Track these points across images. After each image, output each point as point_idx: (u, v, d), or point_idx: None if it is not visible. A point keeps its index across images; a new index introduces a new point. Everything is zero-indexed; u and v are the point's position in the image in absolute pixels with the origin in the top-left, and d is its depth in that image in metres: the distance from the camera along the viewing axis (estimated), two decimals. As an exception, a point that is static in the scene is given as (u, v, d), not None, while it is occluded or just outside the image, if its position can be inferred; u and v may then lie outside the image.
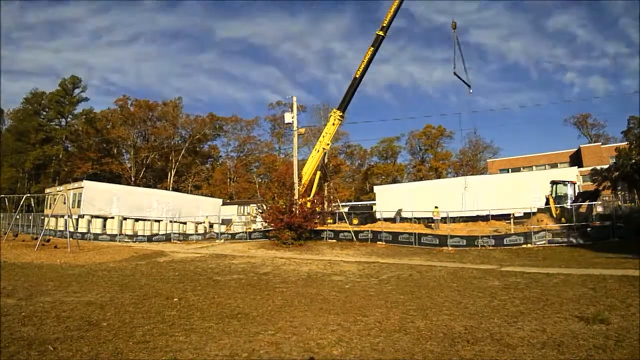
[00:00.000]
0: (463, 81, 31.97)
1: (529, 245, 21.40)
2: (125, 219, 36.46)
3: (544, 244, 21.41)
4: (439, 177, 69.14)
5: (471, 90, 34.27)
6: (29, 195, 33.96)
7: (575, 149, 57.44)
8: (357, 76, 31.78)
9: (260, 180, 76.71)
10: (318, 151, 32.33)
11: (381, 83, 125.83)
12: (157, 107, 76.79)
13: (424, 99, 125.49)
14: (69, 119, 69.78)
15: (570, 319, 8.24)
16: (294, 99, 32.14)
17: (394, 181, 70.56)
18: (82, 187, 38.56)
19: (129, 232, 35.01)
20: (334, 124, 32.63)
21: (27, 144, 62.49)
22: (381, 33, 31.19)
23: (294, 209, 25.45)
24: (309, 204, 26.50)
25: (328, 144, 33.27)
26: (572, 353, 6.26)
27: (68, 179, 56.96)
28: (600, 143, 58.88)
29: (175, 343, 6.89)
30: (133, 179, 68.29)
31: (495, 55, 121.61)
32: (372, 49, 31.36)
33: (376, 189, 42.43)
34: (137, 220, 37.21)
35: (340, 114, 32.48)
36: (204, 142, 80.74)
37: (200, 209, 44.61)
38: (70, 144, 70.17)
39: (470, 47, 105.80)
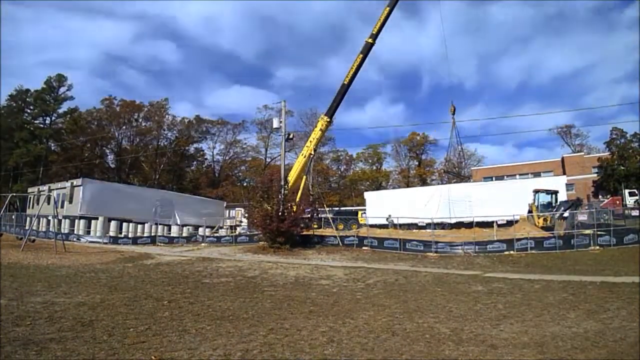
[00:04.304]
0: (455, 175, 32.67)
1: (512, 252, 21.88)
2: (110, 220, 36.17)
3: (526, 251, 21.89)
4: (423, 183, 69.92)
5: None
6: (14, 195, 33.46)
7: (559, 159, 58.55)
8: (346, 82, 31.98)
9: (246, 184, 76.64)
10: (304, 156, 32.51)
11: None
12: (143, 108, 76.41)
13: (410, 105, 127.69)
14: (53, 118, 68.98)
15: (551, 322, 8.60)
16: (283, 103, 32.42)
17: (379, 187, 71.19)
18: (80, 185, 37.96)
19: (113, 234, 34.77)
20: (321, 130, 32.83)
21: (10, 142, 61.50)
22: (370, 41, 31.53)
23: (281, 214, 25.59)
24: (295, 209, 26.67)
25: (315, 149, 33.51)
26: (552, 353, 6.62)
27: (52, 179, 56.13)
28: (583, 153, 60.13)
29: (170, 343, 7.01)
30: (117, 179, 67.61)
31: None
32: (361, 56, 31.66)
33: (366, 194, 42.98)
34: (122, 221, 36.92)
35: (328, 119, 32.67)
36: (190, 144, 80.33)
37: (205, 210, 44.51)
38: (54, 143, 69.28)
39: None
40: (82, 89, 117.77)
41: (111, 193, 40.04)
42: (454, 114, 31.51)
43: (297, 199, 28.50)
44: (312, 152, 32.77)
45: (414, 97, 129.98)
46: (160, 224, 36.36)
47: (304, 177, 32.25)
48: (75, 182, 39.19)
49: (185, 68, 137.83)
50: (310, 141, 32.93)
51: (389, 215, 32.23)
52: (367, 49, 31.66)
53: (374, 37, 31.57)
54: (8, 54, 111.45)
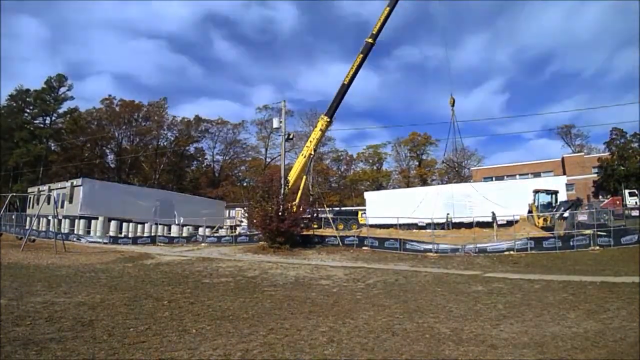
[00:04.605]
0: (454, 169, 33.14)
1: (512, 253, 21.86)
2: (110, 220, 36.13)
3: (526, 251, 21.88)
4: (424, 183, 69.91)
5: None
6: (14, 195, 33.45)
7: (559, 159, 58.56)
8: (346, 82, 31.96)
9: (246, 184, 76.65)
10: (304, 156, 32.51)
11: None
12: (143, 108, 76.44)
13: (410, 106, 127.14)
14: (53, 118, 68.99)
15: (551, 322, 8.60)
16: (283, 103, 32.43)
17: (380, 187, 71.19)
18: (80, 185, 37.91)
19: (113, 234, 34.71)
20: (321, 130, 32.83)
21: (10, 142, 61.51)
22: (371, 41, 31.50)
23: (281, 214, 25.57)
24: (295, 209, 26.66)
25: (315, 149, 33.52)
26: (552, 353, 6.62)
27: (52, 179, 56.11)
28: (583, 153, 60.13)
29: (170, 343, 7.02)
30: (117, 179, 67.60)
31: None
32: (361, 56, 31.63)
33: (366, 194, 43.05)
34: (122, 221, 36.88)
35: (328, 119, 32.68)
36: (190, 143, 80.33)
37: (205, 210, 44.17)
38: (54, 143, 69.29)
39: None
40: (150, 66, 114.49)
41: (111, 193, 39.99)
42: (453, 105, 31.54)
43: (297, 199, 28.50)
44: (312, 152, 32.76)
45: (527, 86, 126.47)
46: (160, 224, 36.30)
47: (304, 177, 32.22)
48: (75, 182, 39.13)
49: (298, 40, 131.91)
50: (310, 141, 32.92)
51: (448, 214, 32.60)
52: (368, 49, 31.62)
53: (374, 37, 31.53)
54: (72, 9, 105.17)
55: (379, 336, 7.69)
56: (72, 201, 38.03)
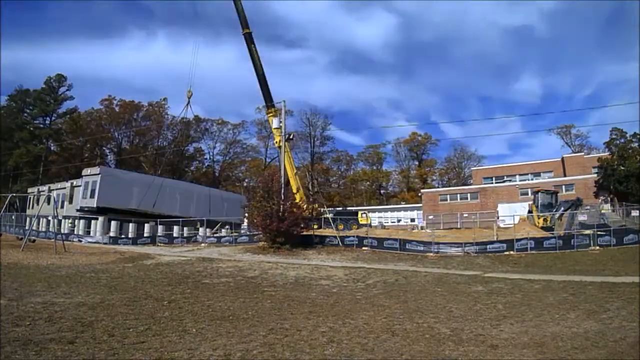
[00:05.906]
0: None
1: (512, 253, 21.85)
2: (110, 220, 36.00)
3: (526, 251, 21.87)
4: (424, 184, 69.89)
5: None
6: (14, 195, 33.45)
7: (559, 159, 58.41)
8: (259, 73, 34.36)
9: (246, 185, 76.64)
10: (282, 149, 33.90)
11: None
12: (143, 108, 76.36)
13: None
14: (53, 118, 68.89)
15: (551, 322, 8.60)
16: (283, 103, 32.49)
17: (380, 187, 71.20)
18: (98, 175, 36.21)
19: (113, 234, 34.58)
20: (267, 120, 36.64)
21: (10, 142, 61.42)
22: (247, 30, 33.84)
23: (281, 214, 25.53)
24: (295, 209, 26.63)
25: (278, 140, 35.39)
26: (552, 353, 6.63)
27: (52, 179, 56.06)
28: (583, 153, 59.99)
29: (170, 344, 7.01)
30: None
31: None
32: (252, 46, 34.03)
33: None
34: (122, 221, 36.69)
35: (268, 107, 35.41)
36: (189, 143, 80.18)
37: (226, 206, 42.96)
38: (54, 143, 69.18)
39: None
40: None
41: (132, 184, 37.97)
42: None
43: (297, 199, 28.52)
44: (276, 144, 36.02)
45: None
46: (160, 224, 36.02)
47: (297, 173, 33.17)
48: (76, 182, 38.64)
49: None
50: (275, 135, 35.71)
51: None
52: (250, 38, 33.88)
53: (244, 25, 33.78)
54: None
55: (379, 336, 7.69)
56: (72, 201, 37.91)
